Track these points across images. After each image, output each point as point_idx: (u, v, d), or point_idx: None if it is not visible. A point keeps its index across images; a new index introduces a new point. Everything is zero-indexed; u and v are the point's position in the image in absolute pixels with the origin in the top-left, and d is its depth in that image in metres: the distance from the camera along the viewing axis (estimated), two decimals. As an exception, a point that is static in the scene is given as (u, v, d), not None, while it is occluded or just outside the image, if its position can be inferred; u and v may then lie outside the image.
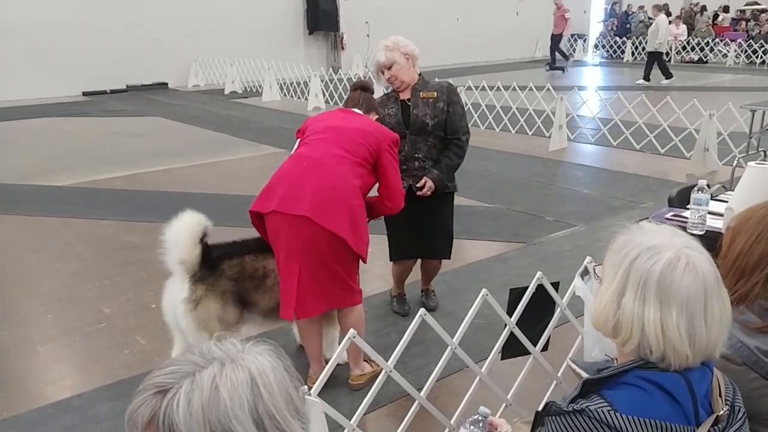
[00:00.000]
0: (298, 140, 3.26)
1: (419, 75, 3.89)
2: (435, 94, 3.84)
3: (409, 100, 3.87)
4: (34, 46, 13.70)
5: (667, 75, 15.50)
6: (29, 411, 3.21)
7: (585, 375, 1.49)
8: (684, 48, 20.86)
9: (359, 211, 3.06)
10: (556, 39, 18.23)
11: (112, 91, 14.74)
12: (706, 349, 1.33)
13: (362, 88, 3.51)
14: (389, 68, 3.82)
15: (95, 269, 4.92)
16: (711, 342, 1.33)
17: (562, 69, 17.86)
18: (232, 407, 0.89)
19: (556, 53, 18.32)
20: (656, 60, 15.35)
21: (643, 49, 21.41)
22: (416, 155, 3.84)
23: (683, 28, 20.81)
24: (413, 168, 3.84)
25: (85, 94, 14.46)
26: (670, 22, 21.06)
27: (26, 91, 13.69)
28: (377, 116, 3.53)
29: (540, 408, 1.45)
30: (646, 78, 15.39)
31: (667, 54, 16.83)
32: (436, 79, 4.05)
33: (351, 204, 3.00)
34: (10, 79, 13.54)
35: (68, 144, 9.57)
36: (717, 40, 20.94)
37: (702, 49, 20.60)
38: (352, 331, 2.29)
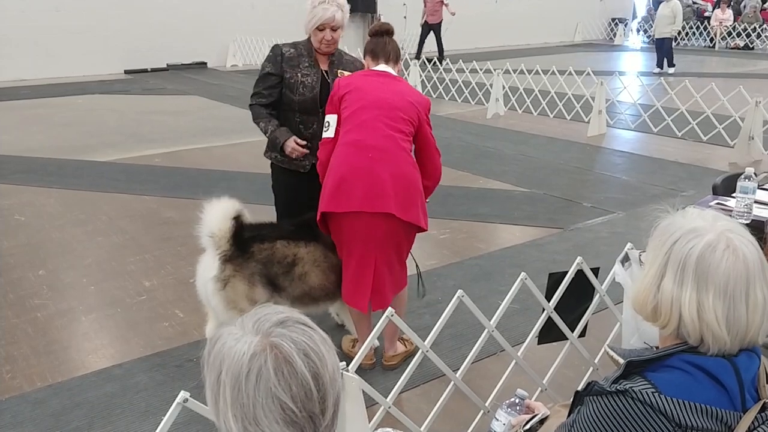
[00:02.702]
0: (334, 115, 3.09)
1: None
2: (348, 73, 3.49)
3: (326, 72, 3.52)
4: (79, 25, 13.90)
5: (671, 64, 14.44)
6: (72, 378, 3.31)
7: (622, 362, 1.48)
8: (729, 34, 20.30)
9: (422, 191, 3.11)
10: (435, 28, 15.80)
11: (153, 70, 14.91)
12: (747, 335, 1.30)
13: (387, 32, 3.20)
14: (335, 30, 3.42)
15: (136, 243, 5.02)
16: (753, 328, 1.30)
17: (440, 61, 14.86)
18: None
19: (423, 44, 16.03)
20: (666, 46, 14.36)
21: (687, 34, 20.97)
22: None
23: (729, 13, 20.24)
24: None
25: (126, 72, 14.65)
26: (717, 6, 20.60)
27: (70, 68, 13.93)
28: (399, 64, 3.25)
29: (580, 388, 1.45)
30: (671, 63, 14.41)
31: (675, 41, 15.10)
32: (349, 53, 3.73)
33: (419, 188, 3.07)
34: (55, 56, 13.78)
35: (110, 121, 9.73)
36: (765, 26, 20.31)
37: (748, 35, 20.01)
38: (390, 309, 2.31)
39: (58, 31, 13.71)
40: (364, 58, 3.26)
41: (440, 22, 15.90)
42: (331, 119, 3.13)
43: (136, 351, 3.55)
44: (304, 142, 3.41)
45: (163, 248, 4.91)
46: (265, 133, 3.51)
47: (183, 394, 1.78)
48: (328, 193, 3.01)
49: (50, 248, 4.93)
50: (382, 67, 3.17)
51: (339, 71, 3.52)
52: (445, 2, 15.56)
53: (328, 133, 3.13)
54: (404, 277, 3.25)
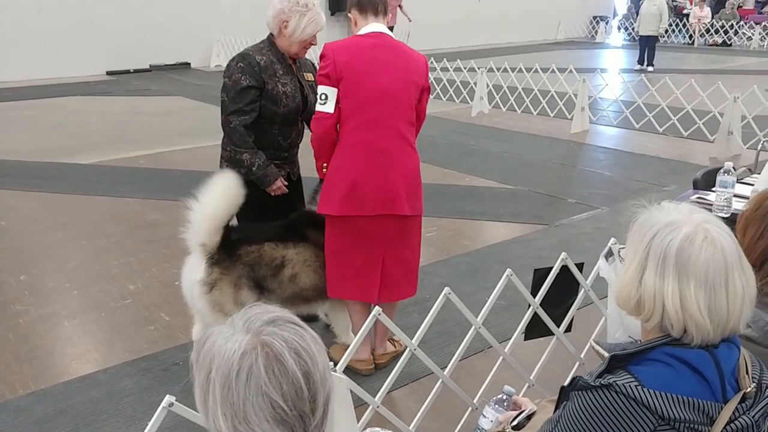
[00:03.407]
0: (334, 89, 2.90)
1: None
2: (312, 77, 3.37)
3: (299, 78, 3.35)
4: (60, 26, 13.75)
5: (650, 64, 14.58)
6: (55, 385, 3.26)
7: (607, 356, 1.50)
8: (708, 31, 20.49)
9: (421, 179, 3.18)
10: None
11: (136, 71, 14.77)
12: (728, 324, 1.33)
13: None
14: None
15: (120, 246, 4.98)
16: (734, 316, 1.33)
17: None
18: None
19: None
20: (651, 44, 14.53)
21: (666, 31, 21.08)
22: (299, 142, 3.45)
23: (707, 10, 20.43)
24: (294, 155, 3.46)
25: (109, 73, 14.51)
26: (694, 4, 20.78)
27: (52, 70, 13.75)
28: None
29: (566, 383, 1.46)
30: (650, 63, 14.58)
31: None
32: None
33: (420, 178, 3.14)
34: (37, 57, 13.61)
35: (93, 122, 9.64)
36: (742, 23, 20.54)
37: (726, 32, 20.22)
38: (377, 308, 2.30)
39: (40, 33, 13.53)
40: (350, 13, 3.08)
41: (392, 27, 15.56)
42: (329, 92, 2.91)
43: (121, 355, 3.52)
44: (287, 183, 3.38)
45: (148, 251, 4.87)
46: (250, 167, 3.21)
47: (168, 398, 1.76)
48: (340, 197, 2.97)
49: (32, 252, 4.88)
50: (372, 26, 2.99)
51: (306, 74, 3.40)
52: (401, 5, 15.29)
53: (326, 107, 2.92)
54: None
